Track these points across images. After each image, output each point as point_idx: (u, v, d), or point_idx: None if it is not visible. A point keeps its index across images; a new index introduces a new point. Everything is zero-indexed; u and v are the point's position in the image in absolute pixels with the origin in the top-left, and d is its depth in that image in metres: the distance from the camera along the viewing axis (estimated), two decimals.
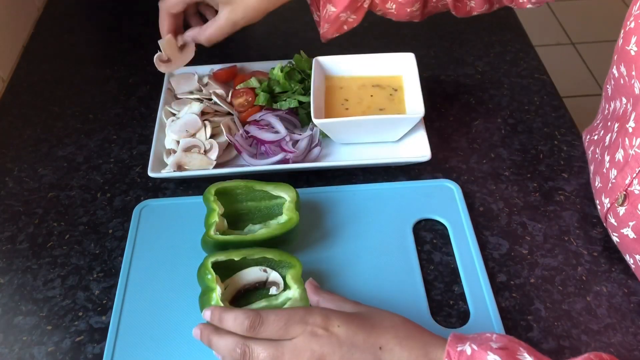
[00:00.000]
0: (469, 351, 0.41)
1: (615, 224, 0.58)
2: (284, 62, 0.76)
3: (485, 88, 0.80)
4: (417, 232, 0.63)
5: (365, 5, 0.67)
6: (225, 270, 0.55)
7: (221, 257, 0.54)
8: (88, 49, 0.91)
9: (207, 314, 0.47)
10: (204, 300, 0.53)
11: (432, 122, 0.75)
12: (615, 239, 0.59)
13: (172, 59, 0.72)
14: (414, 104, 0.69)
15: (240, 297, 0.55)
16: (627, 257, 0.59)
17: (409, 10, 0.67)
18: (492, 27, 0.90)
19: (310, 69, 0.72)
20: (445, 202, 0.65)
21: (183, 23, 0.73)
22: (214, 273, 0.53)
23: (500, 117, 0.76)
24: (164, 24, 0.69)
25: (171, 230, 0.63)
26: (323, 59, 0.73)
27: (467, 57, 0.85)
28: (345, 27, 0.69)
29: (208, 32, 0.67)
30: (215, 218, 0.58)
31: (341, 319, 0.44)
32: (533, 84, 0.80)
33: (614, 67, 0.59)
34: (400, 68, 0.73)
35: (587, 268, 0.60)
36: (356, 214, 0.64)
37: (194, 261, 0.58)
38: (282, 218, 0.59)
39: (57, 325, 0.57)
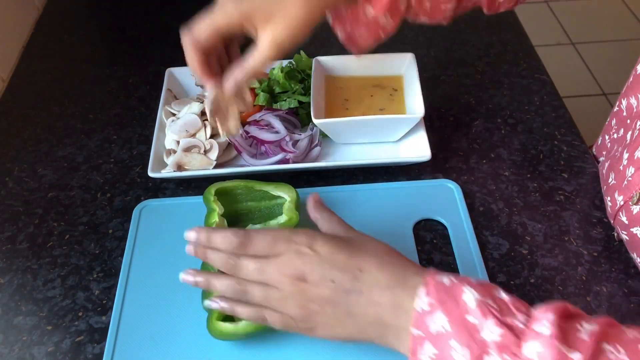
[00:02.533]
0: (447, 282, 0.42)
1: (627, 222, 0.58)
2: (284, 62, 0.76)
3: (485, 88, 0.80)
4: (417, 232, 0.63)
5: (402, 7, 0.57)
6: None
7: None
8: (88, 49, 0.91)
9: (191, 235, 0.48)
10: (206, 295, 0.53)
11: (432, 122, 0.75)
12: (624, 236, 0.59)
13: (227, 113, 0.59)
14: (414, 104, 0.69)
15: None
16: (634, 256, 0.59)
17: (443, 7, 0.60)
18: (492, 27, 0.90)
19: (310, 69, 0.72)
20: (445, 202, 0.65)
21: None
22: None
23: (500, 117, 0.76)
24: (194, 59, 0.52)
25: (171, 230, 0.63)
26: (323, 59, 0.73)
27: (467, 57, 0.85)
28: (382, 34, 0.59)
29: (251, 63, 0.52)
30: (215, 218, 0.58)
31: (325, 240, 0.45)
32: (533, 84, 0.80)
33: None
34: (400, 68, 0.73)
35: (587, 268, 0.60)
36: (356, 214, 0.64)
37: (194, 261, 0.58)
38: (282, 218, 0.59)
39: (57, 325, 0.57)
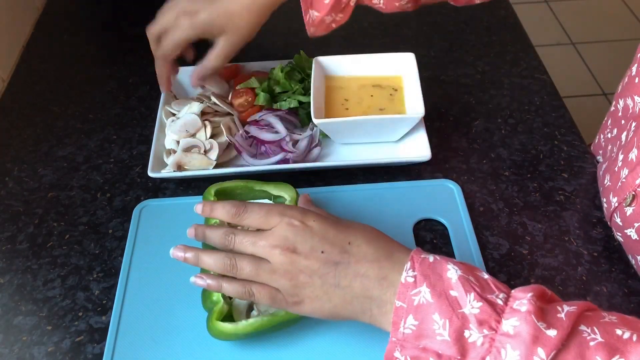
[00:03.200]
0: (431, 259, 0.44)
1: (621, 223, 0.58)
2: (284, 62, 0.76)
3: (485, 88, 0.80)
4: (417, 232, 0.63)
5: (352, 3, 0.66)
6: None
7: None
8: (88, 49, 0.91)
9: (198, 208, 0.51)
10: (206, 295, 0.54)
11: (432, 122, 0.75)
12: (619, 238, 0.60)
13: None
14: (414, 104, 0.69)
15: None
16: (630, 258, 0.59)
17: (397, 4, 0.67)
18: (492, 27, 0.90)
19: (310, 69, 0.72)
20: (445, 202, 0.65)
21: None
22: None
23: (500, 117, 0.76)
24: (164, 71, 0.70)
25: (171, 230, 0.63)
26: (323, 59, 0.73)
27: (467, 57, 0.85)
28: (334, 25, 0.69)
29: (210, 62, 0.67)
30: (216, 219, 0.58)
31: (317, 216, 0.48)
32: (533, 84, 0.80)
33: (635, 64, 0.59)
34: (400, 68, 0.73)
35: (587, 268, 0.60)
36: (356, 214, 0.64)
37: None
38: None
39: (57, 325, 0.57)
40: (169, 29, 0.66)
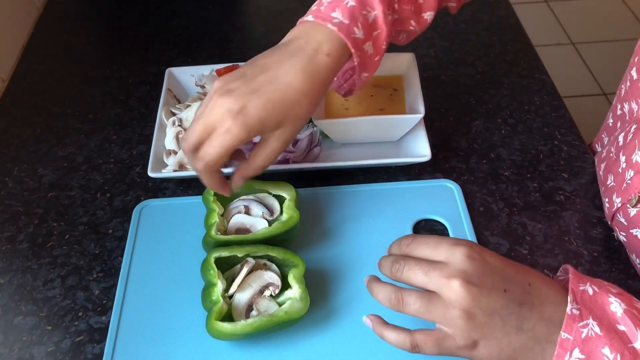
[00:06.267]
0: (590, 291, 0.42)
1: (625, 223, 0.58)
2: None
3: (485, 88, 0.80)
4: (417, 232, 0.63)
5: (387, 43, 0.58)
6: (228, 267, 0.56)
7: (224, 252, 0.54)
8: (88, 49, 0.91)
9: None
10: (205, 294, 0.53)
11: (432, 122, 0.75)
12: (622, 238, 0.60)
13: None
14: (414, 104, 0.69)
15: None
16: (634, 257, 0.59)
17: (425, 17, 0.61)
18: (492, 27, 0.90)
19: None
20: (445, 202, 0.65)
21: None
22: (215, 268, 0.53)
23: (500, 117, 0.76)
24: (216, 182, 0.54)
25: (171, 230, 0.63)
26: None
27: (467, 57, 0.85)
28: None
29: (259, 161, 0.54)
30: (215, 218, 0.58)
31: (493, 253, 0.44)
32: (533, 84, 0.80)
33: (634, 68, 0.59)
34: (400, 68, 0.73)
35: (587, 268, 0.60)
36: (356, 214, 0.64)
37: (194, 261, 0.58)
38: (283, 217, 0.59)
39: (57, 325, 0.57)
40: (210, 135, 0.50)
